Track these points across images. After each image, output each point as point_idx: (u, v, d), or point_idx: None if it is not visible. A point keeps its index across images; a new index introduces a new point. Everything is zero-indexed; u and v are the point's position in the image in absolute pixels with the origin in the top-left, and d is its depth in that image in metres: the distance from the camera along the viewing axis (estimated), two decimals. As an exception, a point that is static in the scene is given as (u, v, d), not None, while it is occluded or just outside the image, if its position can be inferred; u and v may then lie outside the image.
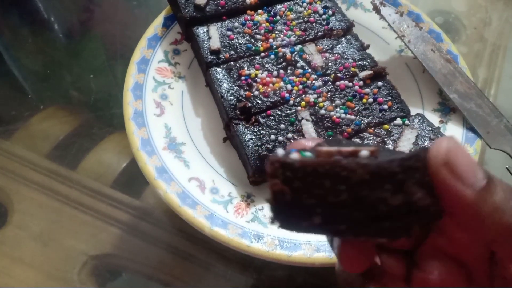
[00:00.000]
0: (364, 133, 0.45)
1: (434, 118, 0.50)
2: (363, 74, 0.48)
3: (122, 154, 0.53)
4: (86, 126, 0.56)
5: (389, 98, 0.47)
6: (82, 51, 0.63)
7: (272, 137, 0.44)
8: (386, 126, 0.45)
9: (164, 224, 0.49)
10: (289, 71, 0.49)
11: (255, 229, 0.41)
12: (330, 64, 0.49)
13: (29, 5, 0.68)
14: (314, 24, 0.53)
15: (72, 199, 0.50)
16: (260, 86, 0.47)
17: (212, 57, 0.49)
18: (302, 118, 0.45)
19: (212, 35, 0.50)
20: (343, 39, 0.51)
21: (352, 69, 0.49)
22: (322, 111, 0.46)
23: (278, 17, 0.52)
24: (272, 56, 0.49)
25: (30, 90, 0.60)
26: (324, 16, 0.53)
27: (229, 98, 0.46)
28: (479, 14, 0.70)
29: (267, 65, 0.49)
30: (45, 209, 0.49)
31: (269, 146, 0.44)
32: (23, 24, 0.66)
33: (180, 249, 0.47)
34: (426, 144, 0.43)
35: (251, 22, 0.51)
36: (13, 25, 0.66)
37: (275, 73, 0.48)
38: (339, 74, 0.48)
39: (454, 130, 0.49)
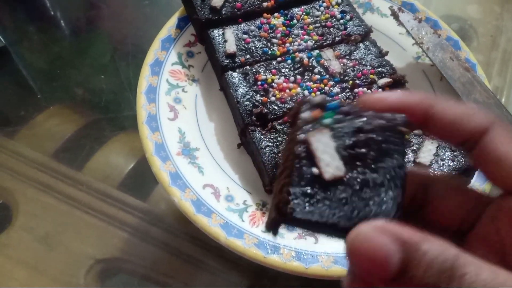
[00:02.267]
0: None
1: (452, 128, 0.49)
2: (382, 81, 0.47)
3: (129, 156, 0.52)
4: (92, 125, 0.55)
5: (408, 106, 0.46)
6: (89, 49, 0.62)
7: (289, 144, 0.43)
8: (406, 136, 0.44)
9: (174, 228, 0.48)
10: (306, 77, 0.48)
11: (271, 240, 0.40)
12: (348, 70, 0.48)
13: (35, 1, 0.67)
14: (331, 28, 0.52)
15: (78, 200, 0.49)
16: (277, 92, 0.46)
17: (227, 61, 0.48)
18: (320, 126, 0.44)
19: (228, 38, 0.49)
20: (361, 44, 0.51)
21: (371, 76, 0.48)
22: (340, 119, 0.45)
23: (295, 21, 0.51)
24: (289, 61, 0.48)
25: (35, 88, 0.58)
26: (341, 21, 0.52)
27: (245, 103, 0.45)
28: (494, 21, 0.69)
29: (283, 70, 0.48)
30: (51, 210, 0.48)
31: (286, 154, 0.43)
32: (29, 21, 0.65)
33: (191, 256, 0.46)
34: (447, 155, 0.42)
35: (267, 26, 0.50)
36: (19, 21, 0.64)
37: (292, 78, 0.47)
38: (357, 81, 0.48)
39: (472, 141, 0.48)
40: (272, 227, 0.21)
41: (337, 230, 0.20)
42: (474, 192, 0.24)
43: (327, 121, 0.21)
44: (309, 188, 0.20)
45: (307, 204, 0.20)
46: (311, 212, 0.20)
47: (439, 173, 0.23)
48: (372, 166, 0.21)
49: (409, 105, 0.22)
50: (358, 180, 0.20)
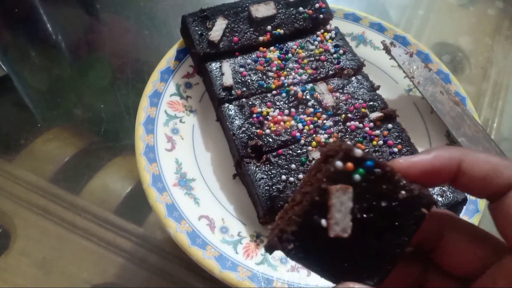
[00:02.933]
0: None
1: (442, 160, 0.50)
2: (373, 115, 0.49)
3: (126, 179, 0.53)
4: (90, 150, 0.56)
5: (399, 141, 0.48)
6: (89, 72, 0.64)
7: (283, 177, 0.44)
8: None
9: (170, 255, 0.48)
10: (300, 110, 0.49)
11: (264, 272, 0.41)
12: (340, 104, 0.50)
13: (37, 25, 0.69)
14: (325, 62, 0.53)
15: (75, 225, 0.49)
16: (272, 124, 0.48)
17: (224, 94, 0.49)
18: (313, 159, 0.46)
19: (225, 71, 0.50)
20: (353, 78, 0.52)
21: (363, 109, 0.49)
22: (333, 152, 0.46)
23: (290, 55, 0.53)
24: (284, 94, 0.50)
25: (35, 113, 0.60)
26: (335, 55, 0.54)
27: (240, 135, 0.47)
28: (486, 53, 0.71)
29: (278, 103, 0.49)
30: (48, 235, 0.49)
31: (279, 186, 0.44)
32: (30, 44, 0.66)
33: (187, 282, 0.47)
34: (435, 190, 0.44)
35: (263, 59, 0.52)
36: (21, 45, 0.66)
37: (286, 111, 0.49)
38: (349, 115, 0.49)
39: (461, 173, 0.49)
40: (270, 249, 0.22)
41: (322, 276, 0.22)
42: (491, 241, 0.24)
43: (357, 177, 0.21)
44: (311, 237, 0.21)
45: (302, 250, 0.21)
46: (304, 258, 0.21)
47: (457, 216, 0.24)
48: (379, 233, 0.22)
49: (439, 169, 0.22)
50: (359, 243, 0.21)
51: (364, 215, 0.21)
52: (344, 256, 0.21)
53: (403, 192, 0.22)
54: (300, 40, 0.54)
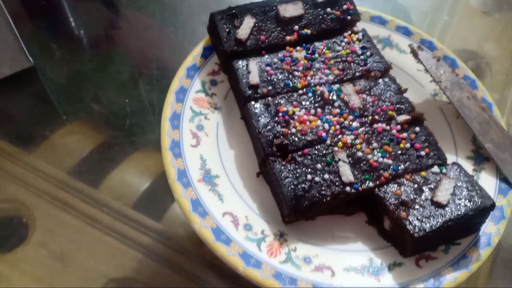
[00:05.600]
0: (402, 179, 0.45)
1: (467, 166, 0.50)
2: (401, 118, 0.48)
3: (144, 174, 0.54)
4: (110, 144, 0.56)
5: (426, 144, 0.47)
6: (109, 67, 0.64)
7: (309, 176, 0.44)
8: (423, 173, 0.45)
9: (186, 250, 0.48)
10: (326, 110, 0.49)
11: (288, 271, 0.41)
12: (367, 105, 0.50)
13: (60, 20, 0.69)
14: (352, 64, 0.53)
15: (93, 218, 0.50)
16: (297, 124, 0.48)
17: (250, 92, 0.49)
18: (339, 159, 0.45)
19: (251, 70, 0.50)
20: (380, 80, 0.52)
21: (390, 112, 0.49)
22: (359, 153, 0.46)
23: (316, 55, 0.53)
24: (310, 94, 0.50)
25: (59, 107, 0.60)
26: (362, 57, 0.53)
27: (266, 134, 0.46)
28: (510, 60, 0.71)
29: (304, 103, 0.49)
30: (66, 227, 0.49)
31: (305, 186, 0.44)
32: (53, 39, 0.67)
33: (202, 279, 0.47)
34: (463, 194, 0.43)
35: (289, 59, 0.52)
36: (44, 40, 0.67)
37: (312, 111, 0.49)
38: (376, 117, 0.49)
39: (487, 180, 0.49)
40: None
41: None
42: None
43: None
44: None
45: None
46: None
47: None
48: None
49: None
50: None
51: None
52: None
53: None
54: (327, 41, 0.54)
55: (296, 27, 0.54)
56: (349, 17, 0.55)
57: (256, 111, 0.48)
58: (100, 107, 0.59)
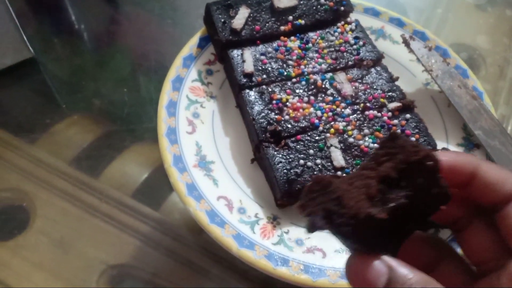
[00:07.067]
0: (392, 164, 0.45)
1: (458, 153, 0.51)
2: (392, 105, 0.49)
3: (144, 165, 0.55)
4: (111, 135, 0.57)
5: (417, 130, 0.48)
6: (110, 62, 0.65)
7: (301, 161, 0.45)
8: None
9: (185, 238, 0.49)
10: (319, 98, 0.50)
11: (281, 252, 0.42)
12: (359, 93, 0.51)
13: (61, 14, 0.70)
14: (344, 53, 0.54)
15: (93, 207, 0.51)
16: (291, 111, 0.49)
17: (245, 80, 0.51)
18: (331, 145, 0.46)
19: (246, 59, 0.51)
20: (372, 69, 0.53)
21: (381, 99, 0.50)
22: (351, 139, 0.47)
23: (310, 45, 0.54)
24: (303, 82, 0.51)
25: (59, 98, 0.61)
26: (354, 46, 0.55)
27: (260, 120, 0.48)
28: (503, 52, 0.72)
29: (298, 91, 0.50)
30: (67, 215, 0.50)
31: (297, 170, 0.45)
32: (54, 33, 0.68)
33: (200, 266, 0.47)
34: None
35: (284, 48, 0.53)
36: (46, 33, 0.68)
37: (305, 99, 0.50)
38: (368, 104, 0.50)
39: (478, 166, 0.50)
40: (312, 228, 0.23)
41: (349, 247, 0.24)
42: None
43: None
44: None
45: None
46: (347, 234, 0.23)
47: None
48: (405, 215, 0.23)
49: (461, 166, 0.24)
50: (388, 221, 0.22)
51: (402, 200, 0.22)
52: (372, 232, 0.22)
53: (438, 184, 0.22)
54: (320, 31, 0.55)
55: (290, 17, 0.55)
56: (342, 8, 0.56)
57: (251, 98, 0.49)
58: (99, 98, 0.60)
